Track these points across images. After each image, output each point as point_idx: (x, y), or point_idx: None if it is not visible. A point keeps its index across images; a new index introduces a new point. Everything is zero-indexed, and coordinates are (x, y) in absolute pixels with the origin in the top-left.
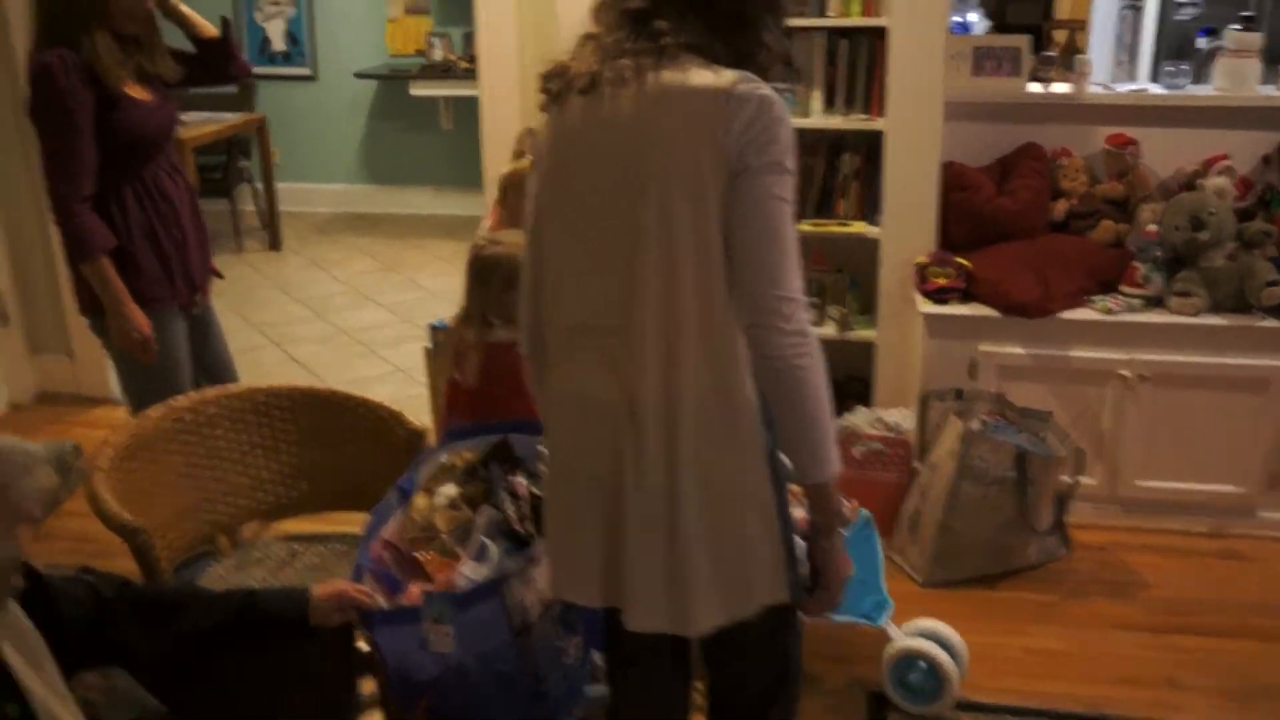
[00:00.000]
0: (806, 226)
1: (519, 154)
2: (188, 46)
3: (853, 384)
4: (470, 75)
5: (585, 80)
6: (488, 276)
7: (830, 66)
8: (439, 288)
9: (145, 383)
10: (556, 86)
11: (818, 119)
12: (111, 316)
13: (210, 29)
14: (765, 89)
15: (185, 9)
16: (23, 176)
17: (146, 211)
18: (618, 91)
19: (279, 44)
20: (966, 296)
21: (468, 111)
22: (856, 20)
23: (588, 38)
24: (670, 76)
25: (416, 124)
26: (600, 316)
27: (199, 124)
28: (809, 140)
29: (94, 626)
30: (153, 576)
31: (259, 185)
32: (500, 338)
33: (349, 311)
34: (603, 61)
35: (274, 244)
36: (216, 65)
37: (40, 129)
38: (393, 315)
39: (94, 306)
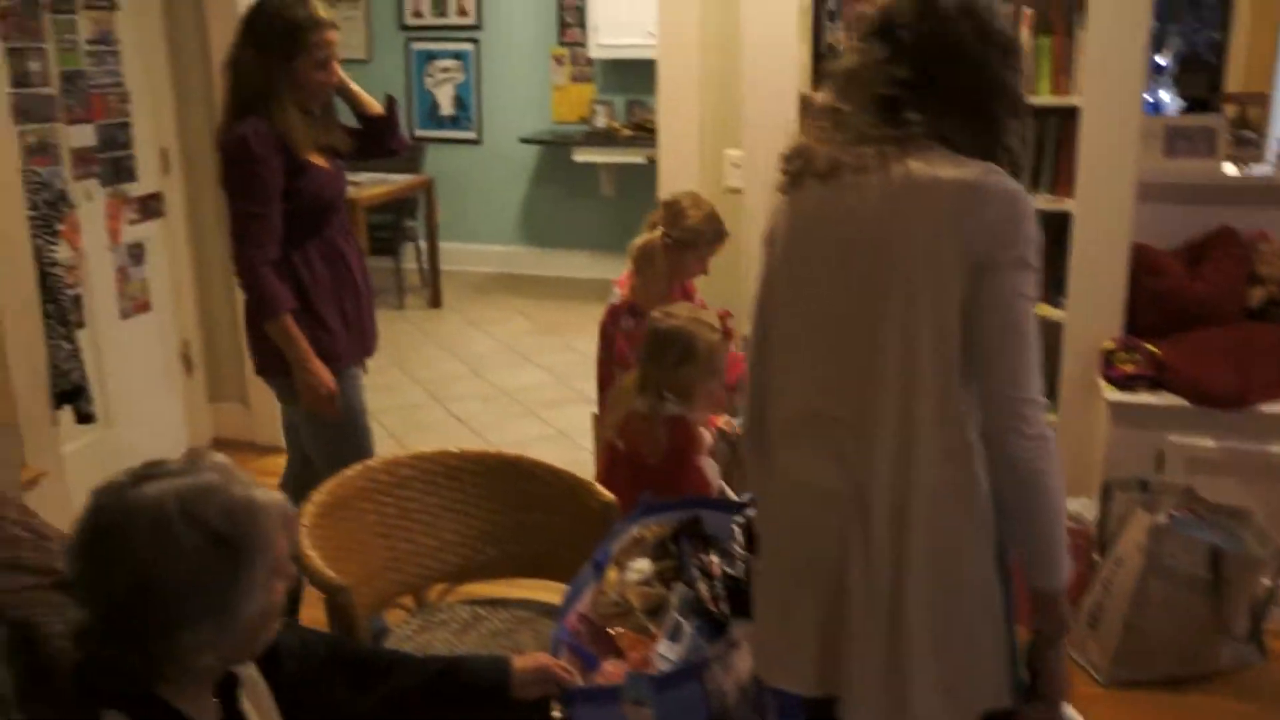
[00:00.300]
0: None
1: (653, 225)
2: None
3: None
4: (632, 143)
5: (825, 165)
6: (663, 350)
7: None
8: (595, 351)
9: (338, 441)
10: (795, 169)
11: None
12: (298, 373)
13: (376, 106)
14: (1012, 183)
15: (355, 87)
16: (216, 234)
17: (329, 271)
18: (860, 179)
19: (447, 108)
20: (1154, 384)
21: (627, 178)
22: (1046, 99)
23: (828, 110)
24: (916, 167)
25: (577, 189)
26: (831, 405)
27: (371, 185)
28: None
29: (308, 683)
30: (351, 635)
31: (422, 244)
32: (671, 411)
33: (507, 371)
34: (844, 145)
35: (434, 302)
36: (379, 139)
37: (233, 195)
38: (550, 376)
39: (275, 367)
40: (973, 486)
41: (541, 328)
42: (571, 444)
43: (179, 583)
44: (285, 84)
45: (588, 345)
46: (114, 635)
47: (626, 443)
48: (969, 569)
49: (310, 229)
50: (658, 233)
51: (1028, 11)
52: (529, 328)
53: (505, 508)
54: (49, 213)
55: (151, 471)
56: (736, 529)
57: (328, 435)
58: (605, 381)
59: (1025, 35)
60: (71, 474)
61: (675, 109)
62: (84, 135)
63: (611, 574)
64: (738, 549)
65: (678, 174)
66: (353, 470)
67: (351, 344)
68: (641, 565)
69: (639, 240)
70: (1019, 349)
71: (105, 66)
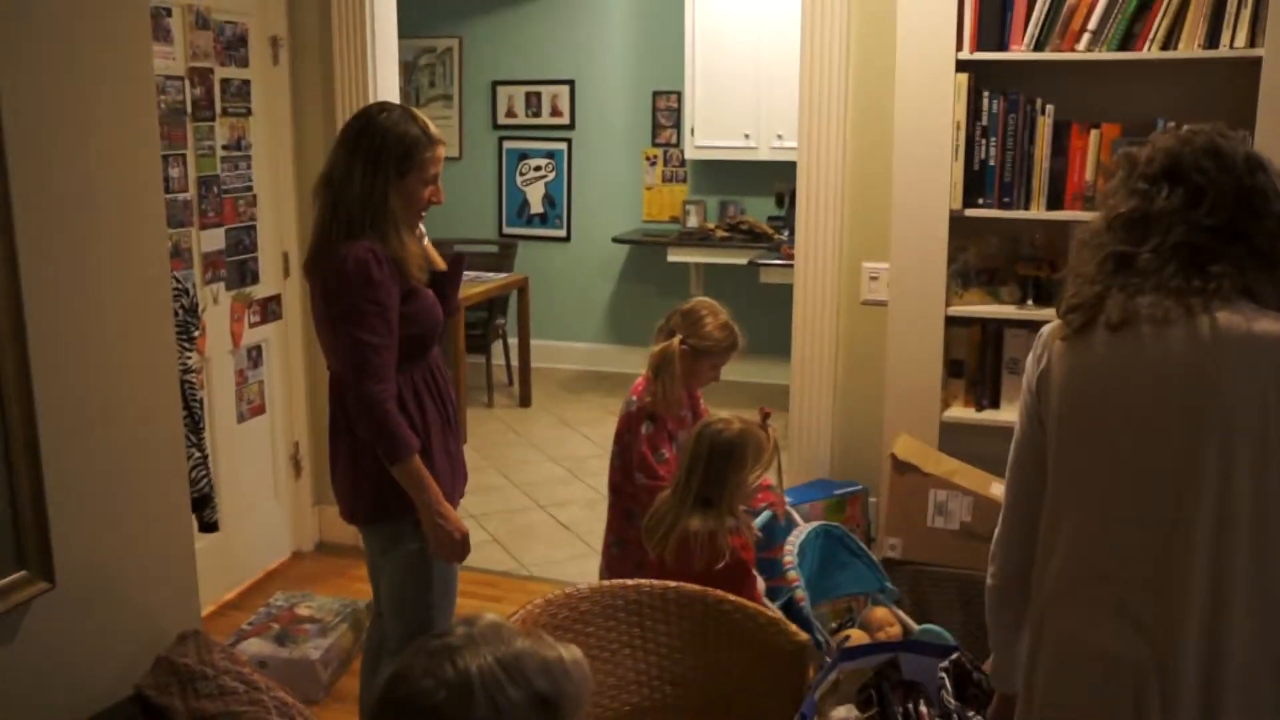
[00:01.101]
0: None
1: (670, 332)
2: None
3: None
4: (726, 244)
5: (1119, 315)
6: (735, 458)
7: None
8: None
9: (440, 591)
10: (1080, 320)
11: None
12: (430, 518)
13: (441, 263)
14: None
15: (427, 241)
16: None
17: (435, 404)
18: (1162, 331)
19: (536, 207)
20: None
21: (717, 277)
22: None
23: (1114, 255)
24: (1227, 319)
25: (664, 288)
26: (1123, 567)
27: (468, 284)
28: None
29: None
30: None
31: (512, 341)
32: (732, 525)
33: (606, 475)
34: (1137, 294)
35: (524, 401)
36: (438, 294)
37: (353, 324)
38: None
39: (382, 513)
40: None
41: None
42: None
43: None
44: (396, 203)
45: None
46: None
47: (679, 559)
48: None
49: (415, 358)
50: (675, 340)
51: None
52: None
53: (687, 645)
54: (188, 319)
55: (451, 644)
56: (945, 676)
57: (432, 587)
58: (619, 487)
59: None
60: None
61: (814, 217)
62: (214, 239)
63: None
64: (948, 699)
65: (814, 283)
66: (534, 605)
67: (457, 483)
68: (843, 713)
69: (657, 348)
70: None
71: (237, 171)
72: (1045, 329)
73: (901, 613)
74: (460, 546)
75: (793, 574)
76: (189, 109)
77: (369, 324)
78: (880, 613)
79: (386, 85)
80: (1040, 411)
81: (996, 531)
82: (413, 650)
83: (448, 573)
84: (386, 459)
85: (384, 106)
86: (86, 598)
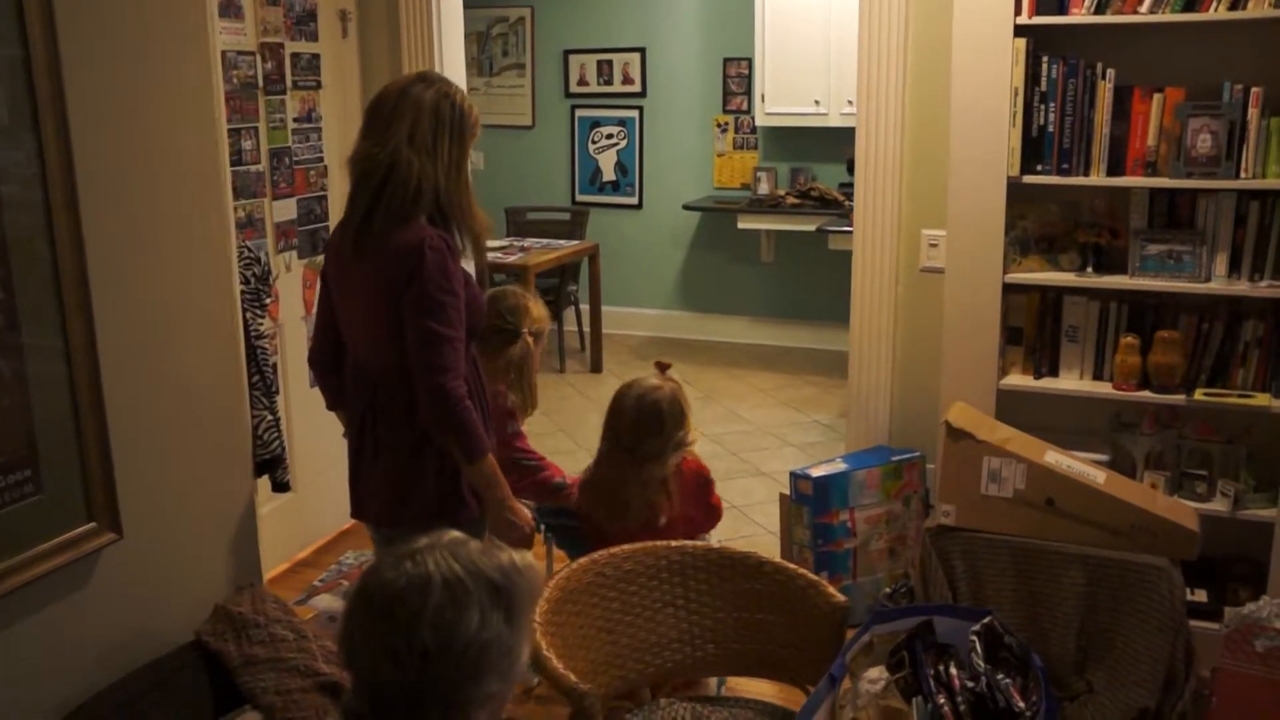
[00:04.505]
0: (1200, 396)
1: (511, 333)
2: None
3: (1238, 565)
4: (795, 211)
5: None
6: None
7: (1239, 229)
8: (762, 420)
9: None
10: None
11: (1220, 284)
12: (499, 513)
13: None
14: None
15: None
16: None
17: (478, 400)
18: None
19: (608, 174)
20: None
21: (788, 245)
22: (1274, 182)
23: None
24: None
25: (736, 255)
26: None
27: (540, 250)
28: (1205, 304)
29: None
30: None
31: (583, 308)
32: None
33: None
34: None
35: (595, 366)
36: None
37: (430, 315)
38: (719, 447)
39: (444, 512)
40: None
41: (704, 394)
42: (745, 520)
43: (474, 634)
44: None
45: (753, 414)
46: (415, 698)
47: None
48: None
49: (466, 352)
50: (524, 335)
51: (1256, 91)
52: (691, 395)
53: (729, 604)
54: (259, 287)
55: (415, 548)
56: (976, 640)
57: None
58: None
59: (1254, 116)
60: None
61: (873, 184)
62: (286, 209)
63: (845, 684)
64: (978, 661)
65: (873, 250)
66: (579, 565)
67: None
68: (875, 674)
69: (516, 350)
70: None
71: (308, 143)
72: None
73: None
74: (528, 540)
75: None
76: (260, 83)
77: (446, 316)
78: None
79: (452, 57)
80: None
81: None
82: (382, 554)
83: None
84: (465, 457)
85: (443, 78)
86: (152, 549)
